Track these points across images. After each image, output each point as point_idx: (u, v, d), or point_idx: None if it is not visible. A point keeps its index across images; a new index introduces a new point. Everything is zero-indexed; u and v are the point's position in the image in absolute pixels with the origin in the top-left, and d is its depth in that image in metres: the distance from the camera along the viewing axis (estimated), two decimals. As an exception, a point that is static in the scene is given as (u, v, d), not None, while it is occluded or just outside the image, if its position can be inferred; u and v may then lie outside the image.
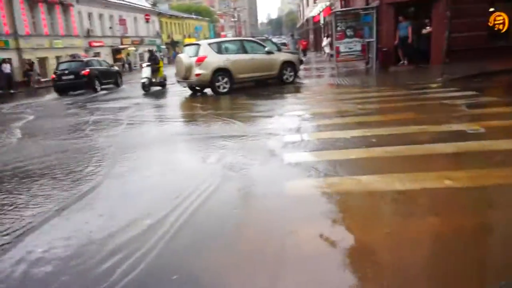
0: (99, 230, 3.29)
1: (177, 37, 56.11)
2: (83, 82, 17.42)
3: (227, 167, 4.66)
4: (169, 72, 18.15)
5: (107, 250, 2.93)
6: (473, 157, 4.45)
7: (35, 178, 4.95)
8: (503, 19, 14.61)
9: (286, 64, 13.04)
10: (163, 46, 50.90)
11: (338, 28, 14.72)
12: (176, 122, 8.61)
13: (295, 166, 4.57)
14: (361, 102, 8.42)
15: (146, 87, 14.88)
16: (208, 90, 12.46)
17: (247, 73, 12.34)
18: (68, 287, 2.59)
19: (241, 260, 2.75)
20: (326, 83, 13.44)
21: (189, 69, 11.87)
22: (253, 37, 23.08)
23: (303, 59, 23.24)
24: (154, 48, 30.49)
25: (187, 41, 44.46)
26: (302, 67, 17.61)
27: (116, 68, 22.45)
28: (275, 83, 13.04)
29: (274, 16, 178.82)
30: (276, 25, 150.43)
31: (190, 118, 9.34)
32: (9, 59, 24.08)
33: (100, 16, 37.64)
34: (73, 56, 27.79)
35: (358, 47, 14.70)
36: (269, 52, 12.74)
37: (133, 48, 42.63)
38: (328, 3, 29.95)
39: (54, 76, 18.18)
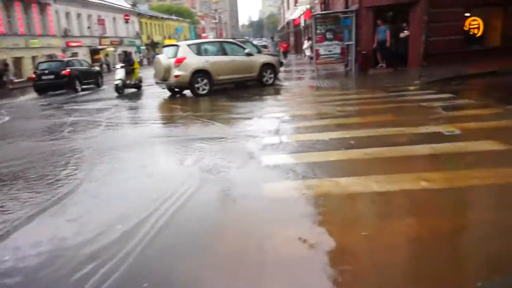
0: (73, 237, 3.18)
1: (157, 38, 55.57)
2: (64, 82, 17.32)
3: (206, 170, 4.61)
4: (149, 73, 17.91)
5: (80, 258, 2.83)
6: (450, 159, 4.52)
7: (7, 182, 4.78)
8: (478, 23, 15.02)
9: (266, 66, 13.01)
10: (143, 47, 50.35)
11: (318, 31, 14.80)
12: (155, 124, 8.48)
13: (273, 168, 4.55)
14: (340, 104, 8.46)
15: (119, 89, 14.54)
16: (187, 92, 12.32)
17: (227, 74, 12.26)
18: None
19: (220, 263, 2.71)
20: (306, 85, 13.48)
21: (168, 70, 11.71)
22: (233, 39, 23.00)
23: (284, 61, 23.30)
24: (134, 50, 30.11)
25: (167, 42, 44.05)
26: (282, 69, 17.68)
27: (97, 68, 22.22)
28: (255, 85, 13.01)
29: (255, 18, 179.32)
30: (257, 28, 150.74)
31: (169, 120, 9.23)
32: (-18, 59, 23.50)
33: (78, 15, 37.00)
34: (50, 56, 27.26)
35: (338, 50, 14.81)
36: (249, 54, 12.71)
37: (112, 49, 41.95)
38: (308, 6, 30.18)
39: (33, 76, 18.05)
